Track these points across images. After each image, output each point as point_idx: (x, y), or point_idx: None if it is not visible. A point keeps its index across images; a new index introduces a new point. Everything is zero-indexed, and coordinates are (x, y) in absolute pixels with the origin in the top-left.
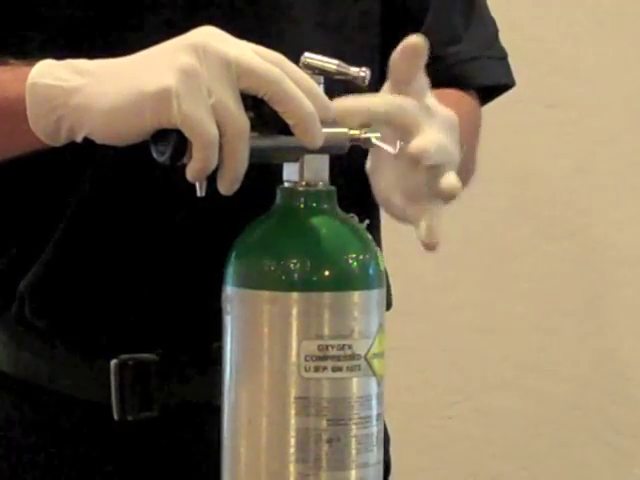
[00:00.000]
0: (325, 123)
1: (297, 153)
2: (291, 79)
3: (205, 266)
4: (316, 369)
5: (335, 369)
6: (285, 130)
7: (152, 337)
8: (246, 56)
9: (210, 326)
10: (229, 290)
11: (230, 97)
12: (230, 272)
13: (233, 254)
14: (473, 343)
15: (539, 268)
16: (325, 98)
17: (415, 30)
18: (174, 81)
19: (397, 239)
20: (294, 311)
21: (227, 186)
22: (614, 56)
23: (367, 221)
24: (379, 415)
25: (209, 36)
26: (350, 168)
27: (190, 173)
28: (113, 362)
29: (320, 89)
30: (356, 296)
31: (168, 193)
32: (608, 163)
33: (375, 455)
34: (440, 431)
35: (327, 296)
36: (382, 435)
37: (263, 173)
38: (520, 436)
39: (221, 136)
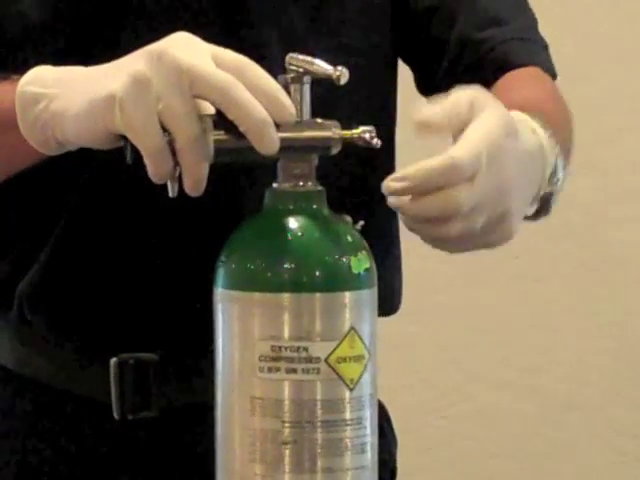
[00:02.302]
0: (308, 125)
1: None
2: (250, 83)
3: (204, 267)
4: (270, 370)
5: (289, 371)
6: None
7: (152, 337)
8: (199, 63)
9: (210, 327)
10: (214, 291)
11: (179, 103)
12: (216, 273)
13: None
14: (473, 343)
15: (539, 268)
16: (285, 100)
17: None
18: (120, 88)
19: None
20: (253, 311)
21: (190, 187)
22: (614, 56)
23: (361, 222)
24: (353, 420)
25: (172, 42)
26: (343, 169)
27: (150, 176)
28: (113, 361)
29: (282, 91)
30: (317, 298)
31: (164, 194)
32: (608, 163)
33: (349, 460)
34: (440, 431)
35: (285, 297)
36: (367, 440)
37: (256, 174)
38: (520, 436)
39: (174, 141)
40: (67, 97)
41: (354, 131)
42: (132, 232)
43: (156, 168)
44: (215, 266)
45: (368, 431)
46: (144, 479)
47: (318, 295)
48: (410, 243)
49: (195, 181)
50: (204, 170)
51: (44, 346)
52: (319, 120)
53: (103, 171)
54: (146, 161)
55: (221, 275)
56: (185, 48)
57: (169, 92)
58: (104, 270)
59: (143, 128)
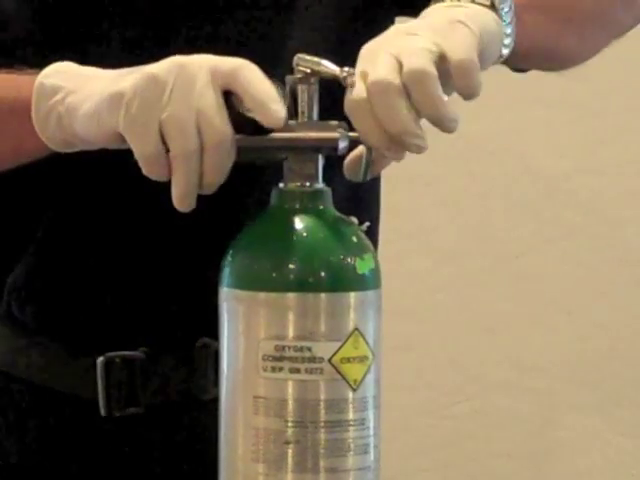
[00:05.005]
0: (314, 125)
1: (281, 152)
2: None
3: (190, 265)
4: (273, 369)
5: (292, 371)
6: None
7: (138, 335)
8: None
9: (195, 324)
10: (220, 290)
11: (184, 113)
12: (221, 272)
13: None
14: (473, 343)
15: (539, 268)
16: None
17: None
18: (130, 87)
19: (397, 239)
20: (257, 311)
21: (177, 201)
22: (614, 56)
23: (367, 223)
24: (356, 420)
25: (197, 57)
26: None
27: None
28: (99, 359)
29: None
30: (321, 298)
31: (152, 192)
32: (608, 163)
33: (351, 461)
34: (440, 431)
35: (290, 297)
36: (370, 440)
37: (253, 176)
38: (520, 436)
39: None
40: (83, 92)
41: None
42: (119, 230)
43: (150, 173)
44: (221, 265)
45: (371, 432)
46: (131, 475)
47: (323, 295)
48: (410, 244)
49: (182, 194)
50: (192, 186)
51: (31, 344)
52: (326, 121)
53: (91, 167)
54: (140, 165)
55: (227, 274)
56: (205, 63)
57: (177, 101)
58: (89, 268)
59: (141, 132)
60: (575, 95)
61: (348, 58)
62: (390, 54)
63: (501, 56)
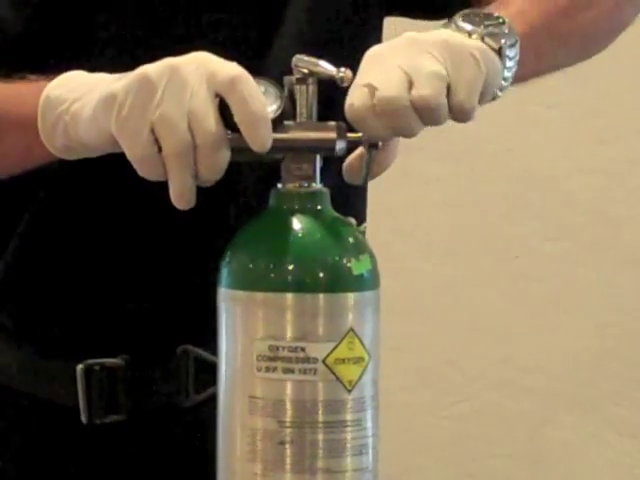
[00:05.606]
0: (312, 126)
1: (279, 152)
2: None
3: (170, 273)
4: (267, 369)
5: (286, 371)
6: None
7: (118, 342)
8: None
9: (175, 331)
10: (218, 290)
11: (176, 114)
12: (219, 272)
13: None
14: (473, 343)
15: (539, 268)
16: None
17: None
18: (122, 88)
19: (397, 239)
20: (254, 311)
21: (175, 199)
22: (614, 56)
23: (365, 224)
24: (353, 421)
25: (192, 57)
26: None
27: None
28: (79, 367)
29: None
30: (318, 299)
31: (132, 198)
32: (608, 163)
33: (348, 462)
34: (440, 431)
35: (286, 298)
36: (367, 441)
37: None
38: (520, 436)
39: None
40: (85, 99)
41: (359, 133)
42: (100, 236)
43: (145, 174)
44: (219, 265)
45: (369, 433)
46: None
47: (320, 296)
48: (410, 244)
49: (178, 194)
50: (187, 186)
51: (12, 349)
52: (324, 121)
53: (73, 168)
54: (134, 167)
55: (224, 275)
56: (202, 65)
57: (169, 101)
58: (69, 273)
59: (133, 132)
60: (575, 95)
61: (335, 60)
62: (402, 70)
63: (494, 97)
